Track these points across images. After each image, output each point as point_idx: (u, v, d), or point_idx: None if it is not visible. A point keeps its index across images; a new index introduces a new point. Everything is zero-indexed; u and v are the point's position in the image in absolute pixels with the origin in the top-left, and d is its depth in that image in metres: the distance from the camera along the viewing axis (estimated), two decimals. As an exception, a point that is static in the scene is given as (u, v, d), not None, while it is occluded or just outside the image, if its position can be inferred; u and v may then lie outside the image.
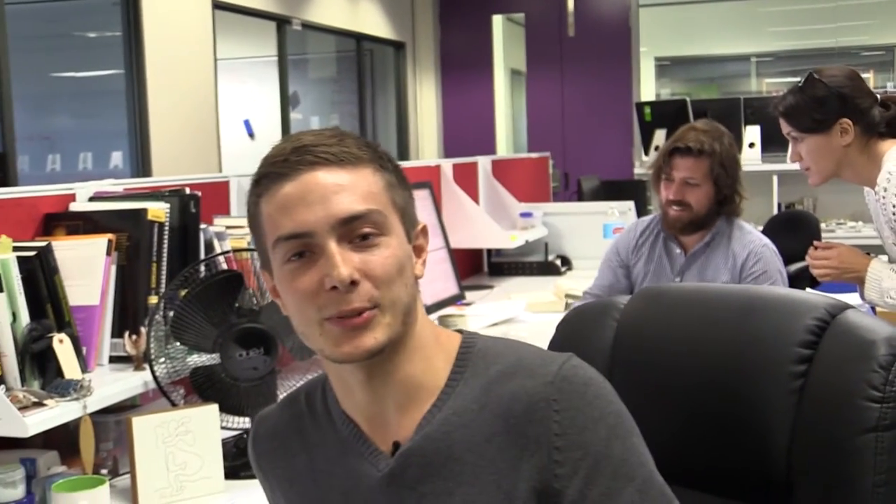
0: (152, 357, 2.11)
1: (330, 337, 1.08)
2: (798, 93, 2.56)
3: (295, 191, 1.08)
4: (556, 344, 1.46)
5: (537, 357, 1.12)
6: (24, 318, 1.99)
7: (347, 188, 1.08)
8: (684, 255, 3.02)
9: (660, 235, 3.10)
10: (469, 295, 3.97)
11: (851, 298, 4.61)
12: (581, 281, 3.87)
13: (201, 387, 2.16)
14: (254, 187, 1.13)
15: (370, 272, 1.07)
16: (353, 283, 1.06)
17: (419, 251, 1.16)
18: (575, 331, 1.26)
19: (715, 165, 2.89)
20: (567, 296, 3.87)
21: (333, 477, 1.17)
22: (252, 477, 2.12)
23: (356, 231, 1.08)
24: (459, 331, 1.18)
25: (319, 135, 1.12)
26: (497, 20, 9.75)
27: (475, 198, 4.93)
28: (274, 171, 1.10)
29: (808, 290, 4.86)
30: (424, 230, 1.18)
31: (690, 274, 3.01)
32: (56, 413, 1.89)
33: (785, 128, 2.62)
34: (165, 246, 2.29)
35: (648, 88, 10.47)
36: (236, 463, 2.16)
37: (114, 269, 2.21)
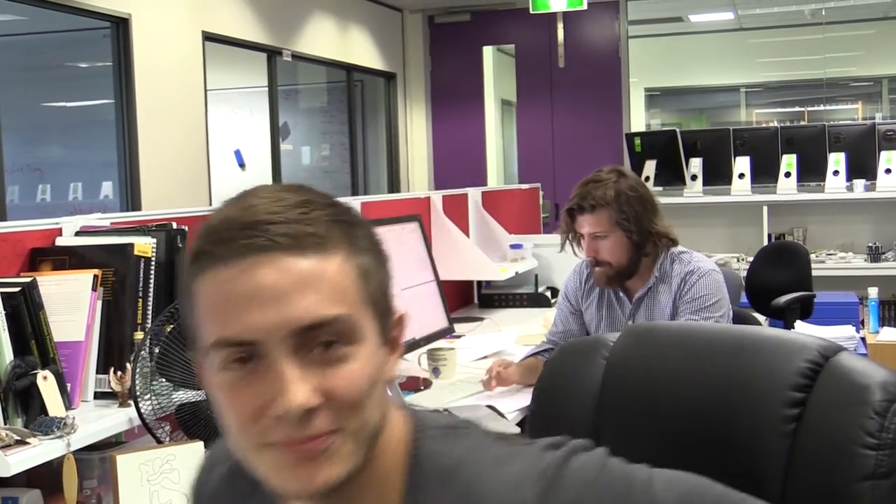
0: (138, 393, 2.09)
1: (272, 466, 0.86)
2: None
3: (241, 283, 0.85)
4: (544, 380, 1.44)
5: (500, 486, 0.89)
6: (8, 354, 1.96)
7: (310, 284, 0.85)
8: (629, 300, 2.96)
9: None
10: (459, 327, 3.95)
11: (842, 331, 4.59)
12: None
13: (187, 423, 2.13)
14: (191, 262, 0.89)
15: (334, 394, 0.85)
16: (311, 410, 0.84)
17: (394, 346, 0.94)
18: (563, 368, 1.25)
19: (614, 213, 2.80)
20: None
21: None
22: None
23: (318, 339, 0.85)
24: (411, 412, 0.97)
25: (280, 201, 0.88)
26: (488, 51, 9.77)
27: (465, 230, 4.93)
28: (216, 251, 0.86)
29: (798, 322, 4.87)
30: (401, 320, 0.95)
31: (639, 318, 2.94)
32: (39, 451, 1.86)
33: None
34: (152, 281, 2.27)
35: (638, 119, 10.52)
36: (222, 501, 2.13)
37: (99, 304, 2.19)
